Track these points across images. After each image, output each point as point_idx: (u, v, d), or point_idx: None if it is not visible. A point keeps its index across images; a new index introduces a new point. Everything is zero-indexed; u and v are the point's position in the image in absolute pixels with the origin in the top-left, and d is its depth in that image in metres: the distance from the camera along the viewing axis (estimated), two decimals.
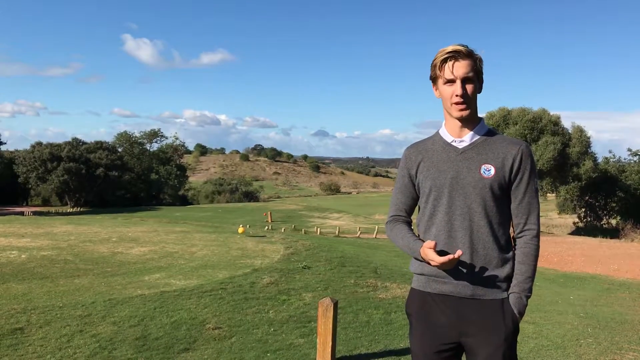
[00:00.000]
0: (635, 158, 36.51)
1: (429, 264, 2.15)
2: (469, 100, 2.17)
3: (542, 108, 33.03)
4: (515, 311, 2.16)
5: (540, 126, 31.95)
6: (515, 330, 2.18)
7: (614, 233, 31.17)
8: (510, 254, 2.22)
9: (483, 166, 2.18)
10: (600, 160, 37.84)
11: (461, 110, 2.18)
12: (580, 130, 33.90)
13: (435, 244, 2.10)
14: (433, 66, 2.22)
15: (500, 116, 32.33)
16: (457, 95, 2.15)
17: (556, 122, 32.70)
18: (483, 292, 2.16)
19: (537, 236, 2.22)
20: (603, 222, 37.84)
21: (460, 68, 2.14)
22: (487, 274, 2.15)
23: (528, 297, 2.17)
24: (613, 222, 37.09)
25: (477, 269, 2.15)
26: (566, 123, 33.98)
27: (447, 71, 2.16)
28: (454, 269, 2.16)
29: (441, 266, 2.08)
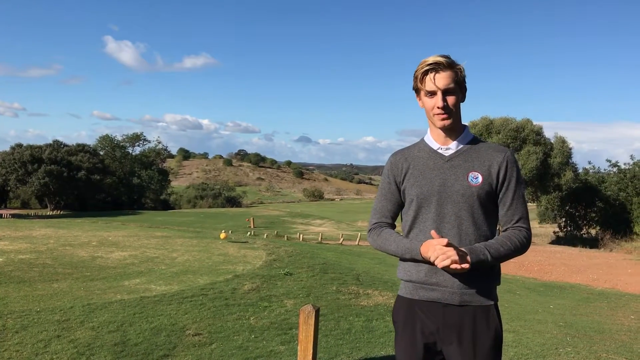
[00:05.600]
0: (615, 169, 37.02)
1: (429, 263, 2.14)
2: (450, 111, 2.19)
3: (525, 118, 33.42)
4: (467, 250, 2.08)
5: (522, 136, 32.28)
6: (499, 338, 2.19)
7: (593, 243, 31.58)
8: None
9: (470, 174, 2.20)
10: (580, 170, 38.38)
11: (443, 120, 2.20)
12: (562, 141, 34.32)
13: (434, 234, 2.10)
14: (415, 78, 2.23)
15: (483, 125, 32.59)
16: (438, 107, 2.17)
17: (538, 132, 33.08)
18: (471, 298, 2.16)
19: (527, 235, 2.22)
20: (583, 232, 38.29)
21: (441, 80, 2.15)
22: (475, 280, 2.16)
23: (485, 258, 2.09)
24: (592, 232, 37.56)
25: (465, 276, 2.15)
26: (548, 133, 34.43)
27: (429, 83, 2.17)
28: (441, 276, 2.16)
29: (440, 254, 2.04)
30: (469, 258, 2.06)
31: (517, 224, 2.23)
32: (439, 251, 2.04)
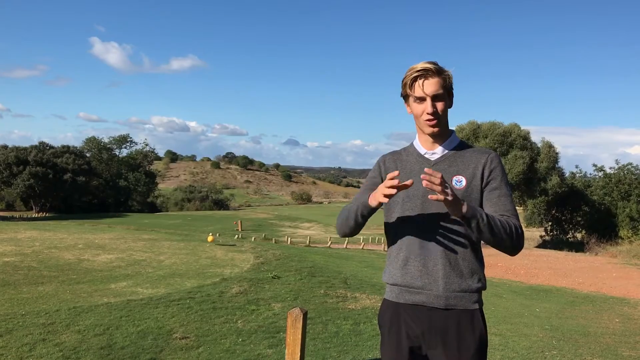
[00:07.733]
0: (600, 173, 37.39)
1: (376, 208, 2.15)
2: (439, 117, 2.20)
3: (512, 123, 33.63)
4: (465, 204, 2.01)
5: (510, 140, 32.48)
6: (484, 342, 2.20)
7: (579, 247, 31.85)
8: (482, 264, 2.24)
9: (454, 178, 2.21)
10: (567, 175, 38.73)
11: (432, 126, 2.21)
12: (549, 146, 34.61)
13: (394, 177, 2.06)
14: (404, 84, 2.24)
15: (470, 130, 32.76)
16: (428, 113, 2.18)
17: (525, 137, 33.31)
18: (456, 302, 2.17)
19: (518, 226, 2.13)
20: (569, 235, 38.64)
21: (430, 86, 2.16)
22: (459, 284, 2.17)
23: (480, 217, 2.02)
24: (578, 236, 37.91)
25: (450, 279, 2.16)
26: (535, 138, 34.73)
27: (418, 89, 2.18)
28: (426, 279, 2.17)
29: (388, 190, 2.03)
30: (464, 207, 1.99)
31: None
32: (380, 186, 2.07)
